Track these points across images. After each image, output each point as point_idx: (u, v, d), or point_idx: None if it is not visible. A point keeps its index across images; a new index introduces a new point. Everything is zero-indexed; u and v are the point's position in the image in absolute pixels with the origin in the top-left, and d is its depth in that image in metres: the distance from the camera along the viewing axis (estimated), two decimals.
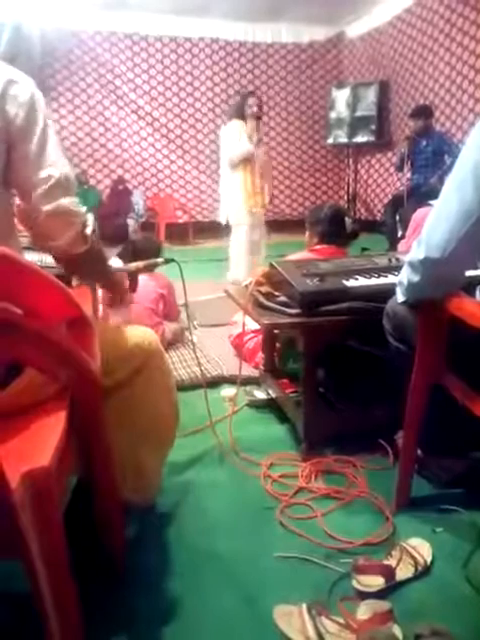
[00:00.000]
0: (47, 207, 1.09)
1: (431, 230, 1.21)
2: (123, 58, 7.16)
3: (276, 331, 2.17)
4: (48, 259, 2.14)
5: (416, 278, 1.25)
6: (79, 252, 1.17)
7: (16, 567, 0.80)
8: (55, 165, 1.11)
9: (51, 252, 1.22)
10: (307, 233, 2.45)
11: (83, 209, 1.17)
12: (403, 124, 6.45)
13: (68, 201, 1.12)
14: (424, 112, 5.25)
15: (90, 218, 1.18)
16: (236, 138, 3.98)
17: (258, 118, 4.03)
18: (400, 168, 5.39)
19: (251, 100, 4.00)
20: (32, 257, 2.16)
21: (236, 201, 4.13)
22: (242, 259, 4.19)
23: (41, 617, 0.83)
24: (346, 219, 2.41)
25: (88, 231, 1.16)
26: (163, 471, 1.43)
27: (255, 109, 3.96)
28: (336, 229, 2.35)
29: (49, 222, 1.12)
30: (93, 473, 1.12)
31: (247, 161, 4.03)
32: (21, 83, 1.07)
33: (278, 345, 2.24)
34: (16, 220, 1.17)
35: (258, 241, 4.27)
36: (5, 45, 5.36)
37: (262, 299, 1.81)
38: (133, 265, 1.55)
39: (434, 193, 4.95)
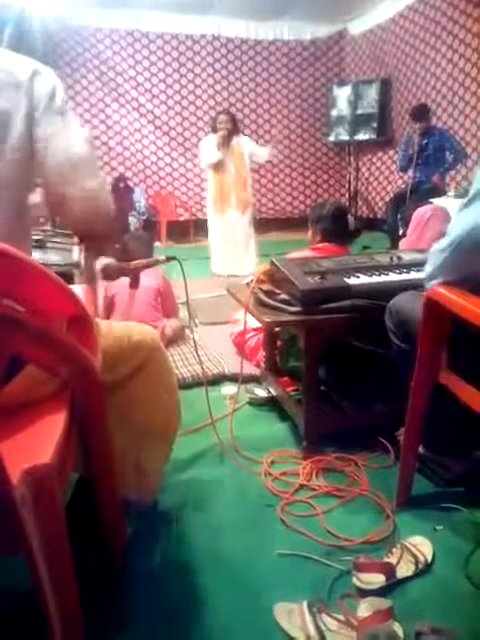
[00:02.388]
0: (71, 190, 1.10)
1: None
2: (124, 55, 7.15)
3: (277, 329, 2.17)
4: (51, 257, 2.14)
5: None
6: (105, 229, 1.19)
7: (19, 563, 0.81)
8: (73, 141, 1.11)
9: (65, 220, 1.24)
10: (310, 231, 2.45)
11: (106, 188, 1.18)
12: (405, 122, 6.44)
13: (94, 183, 1.13)
14: (426, 112, 5.24)
15: (109, 197, 1.19)
16: (208, 149, 4.67)
17: (230, 132, 4.62)
18: (405, 168, 5.35)
19: (221, 117, 4.71)
20: (35, 255, 2.16)
21: (208, 203, 4.92)
22: (219, 254, 4.83)
23: (43, 613, 0.83)
24: (348, 217, 2.40)
25: (108, 203, 1.17)
26: (164, 470, 1.43)
27: (223, 125, 4.60)
28: (338, 227, 2.35)
29: (75, 206, 1.12)
30: (94, 470, 1.12)
31: (218, 168, 4.69)
32: (45, 74, 1.09)
33: (279, 343, 2.24)
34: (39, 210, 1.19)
35: (241, 239, 4.80)
36: (6, 42, 5.36)
37: (263, 297, 1.81)
38: (134, 263, 1.55)
39: (435, 191, 4.98)
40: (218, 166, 4.66)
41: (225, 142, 4.59)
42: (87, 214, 1.15)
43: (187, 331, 3.03)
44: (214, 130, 4.69)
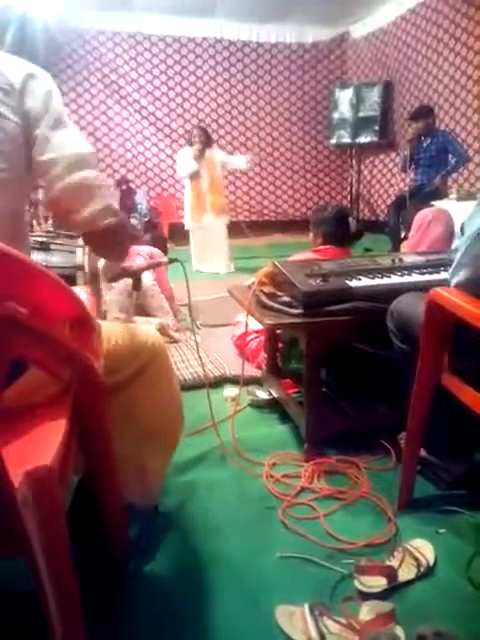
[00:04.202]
0: (67, 180, 1.07)
1: None
2: (126, 58, 7.18)
3: (279, 331, 2.17)
4: (53, 259, 2.15)
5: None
6: (109, 224, 1.13)
7: (20, 565, 0.81)
8: (73, 144, 1.09)
9: (75, 227, 1.17)
10: (311, 233, 2.45)
11: (107, 181, 1.16)
12: (407, 124, 6.44)
13: (90, 173, 1.10)
14: (424, 113, 5.24)
15: (115, 194, 1.17)
16: (184, 160, 5.17)
17: (203, 145, 5.11)
18: (404, 169, 5.41)
19: (195, 131, 5.26)
20: (37, 257, 2.17)
21: (186, 209, 5.42)
22: (199, 255, 5.31)
23: (44, 615, 0.83)
24: (350, 220, 2.40)
25: (115, 205, 1.15)
26: (166, 473, 1.42)
27: (197, 139, 5.13)
28: (340, 230, 2.35)
29: (70, 194, 1.09)
30: (96, 473, 1.12)
31: (194, 177, 5.19)
32: (39, 77, 1.07)
33: (281, 345, 2.24)
34: (40, 209, 1.18)
35: (217, 240, 5.25)
36: (9, 44, 5.38)
37: (265, 299, 1.81)
38: (136, 265, 1.55)
39: (437, 194, 4.96)
40: (194, 175, 5.18)
41: (200, 154, 5.10)
42: (80, 203, 1.10)
43: (188, 333, 3.05)
44: (190, 143, 5.22)
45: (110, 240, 1.18)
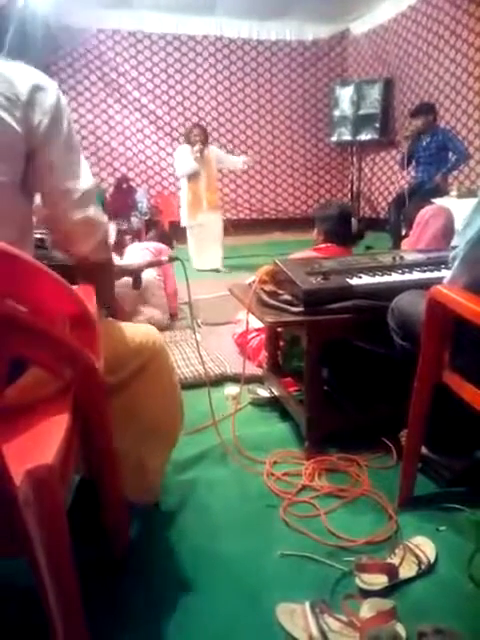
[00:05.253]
0: (77, 216, 1.12)
1: None
2: (127, 56, 7.16)
3: (280, 329, 2.17)
4: (55, 254, 2.13)
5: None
6: (99, 259, 1.22)
7: (21, 563, 0.81)
8: (82, 175, 1.13)
9: (70, 256, 1.25)
10: (315, 230, 2.45)
11: (105, 219, 1.21)
12: (408, 122, 6.43)
13: (94, 212, 1.16)
14: (424, 110, 5.23)
15: (111, 229, 1.21)
16: (183, 159, 5.14)
17: (203, 144, 5.10)
18: (403, 167, 5.40)
19: (195, 130, 5.20)
20: (38, 253, 2.16)
21: (183, 208, 5.39)
22: (197, 253, 5.34)
23: (45, 613, 0.83)
24: (352, 220, 2.40)
25: (110, 240, 1.19)
26: (166, 470, 1.43)
27: (197, 138, 5.10)
28: (342, 229, 2.35)
29: (76, 229, 1.15)
30: (97, 471, 1.13)
31: (192, 176, 5.17)
32: (47, 89, 1.06)
33: (282, 343, 2.24)
34: (35, 221, 1.20)
35: (213, 236, 5.29)
36: (9, 43, 5.37)
37: (266, 297, 1.81)
38: (136, 263, 1.56)
39: (437, 191, 4.96)
40: (192, 175, 5.18)
41: (201, 154, 5.11)
42: (83, 238, 1.19)
43: (189, 331, 3.05)
44: (188, 141, 5.18)
45: (99, 273, 1.26)
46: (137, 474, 1.28)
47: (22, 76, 1.03)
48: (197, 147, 5.07)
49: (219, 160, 5.37)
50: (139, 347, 1.25)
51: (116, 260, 2.59)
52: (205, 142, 5.18)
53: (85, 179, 1.13)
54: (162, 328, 3.14)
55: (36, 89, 1.03)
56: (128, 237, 4.42)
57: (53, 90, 1.07)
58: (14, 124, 1.00)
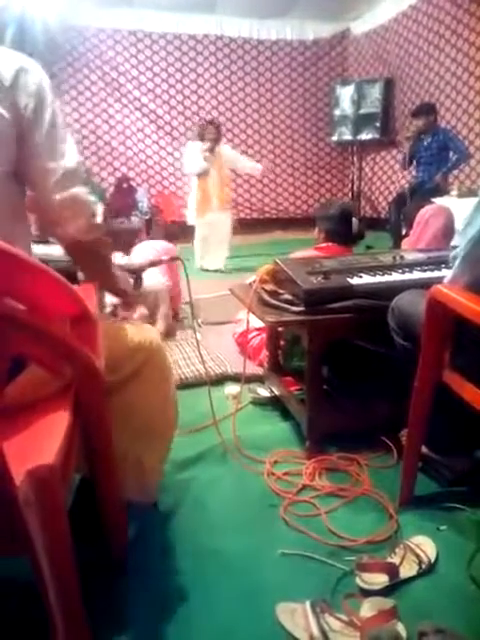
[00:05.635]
0: (59, 196, 1.10)
1: None
2: (127, 55, 7.15)
3: (280, 329, 2.17)
4: (54, 252, 2.12)
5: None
6: (87, 240, 1.18)
7: (22, 562, 0.81)
8: (66, 155, 1.10)
9: (59, 239, 1.22)
10: (316, 229, 2.45)
11: (93, 198, 1.18)
12: (408, 121, 6.42)
13: (80, 190, 1.13)
14: (425, 110, 5.22)
15: (99, 208, 1.19)
16: (194, 157, 5.05)
17: (215, 141, 5.04)
18: (404, 167, 5.40)
19: (210, 127, 5.12)
20: (37, 250, 2.15)
21: (191, 206, 5.34)
22: (203, 252, 5.29)
23: (46, 611, 0.83)
24: (353, 220, 2.40)
25: (98, 220, 1.17)
26: (164, 469, 1.42)
27: (211, 135, 5.03)
28: (343, 229, 2.35)
29: (61, 210, 1.12)
30: (96, 470, 1.12)
31: (202, 174, 5.08)
32: (31, 71, 1.05)
33: (282, 343, 2.24)
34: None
35: (220, 236, 5.25)
36: (9, 42, 5.37)
37: (266, 297, 1.81)
38: (137, 263, 1.55)
39: (438, 191, 4.96)
40: (202, 173, 5.09)
41: (211, 152, 5.03)
42: (69, 219, 1.15)
43: (190, 331, 3.04)
44: (201, 138, 5.09)
45: (93, 254, 1.24)
46: (135, 473, 1.28)
47: (5, 60, 1.03)
48: (207, 145, 4.98)
49: (232, 162, 5.29)
50: (137, 347, 1.25)
51: (118, 259, 2.58)
52: (218, 140, 5.10)
53: (69, 158, 1.11)
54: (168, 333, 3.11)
55: (20, 71, 1.03)
56: (137, 240, 4.34)
57: (37, 71, 1.07)
58: (1, 109, 1.00)
